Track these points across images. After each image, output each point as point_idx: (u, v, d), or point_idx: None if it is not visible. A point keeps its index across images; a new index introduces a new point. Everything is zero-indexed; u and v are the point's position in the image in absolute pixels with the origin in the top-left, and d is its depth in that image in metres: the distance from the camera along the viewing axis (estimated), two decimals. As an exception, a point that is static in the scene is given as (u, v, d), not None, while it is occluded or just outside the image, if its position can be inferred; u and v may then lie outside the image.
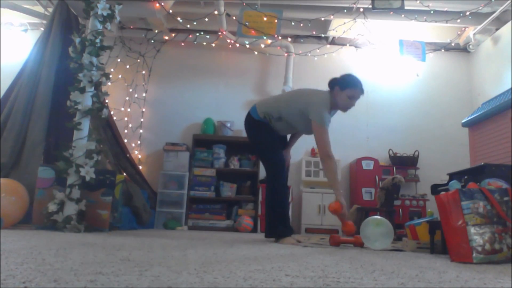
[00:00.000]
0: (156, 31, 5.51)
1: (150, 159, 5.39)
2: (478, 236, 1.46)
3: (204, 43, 5.59)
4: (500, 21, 5.02)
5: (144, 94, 5.57)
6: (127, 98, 5.53)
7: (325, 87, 6.07)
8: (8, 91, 3.76)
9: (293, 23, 5.24)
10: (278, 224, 2.52)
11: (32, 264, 0.99)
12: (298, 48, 5.60)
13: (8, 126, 3.44)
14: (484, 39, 5.36)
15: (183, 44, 5.62)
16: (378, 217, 2.25)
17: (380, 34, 5.45)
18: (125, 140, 5.08)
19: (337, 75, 6.21)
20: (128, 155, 4.66)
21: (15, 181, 2.83)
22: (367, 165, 4.99)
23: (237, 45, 5.48)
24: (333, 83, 2.63)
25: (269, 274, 0.99)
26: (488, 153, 3.46)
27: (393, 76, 5.69)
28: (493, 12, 4.83)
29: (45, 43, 3.80)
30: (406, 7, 4.57)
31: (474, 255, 1.43)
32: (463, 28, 5.43)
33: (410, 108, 5.56)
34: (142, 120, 5.50)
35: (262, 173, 5.09)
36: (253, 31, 4.71)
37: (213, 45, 5.60)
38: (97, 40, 2.97)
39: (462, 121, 3.94)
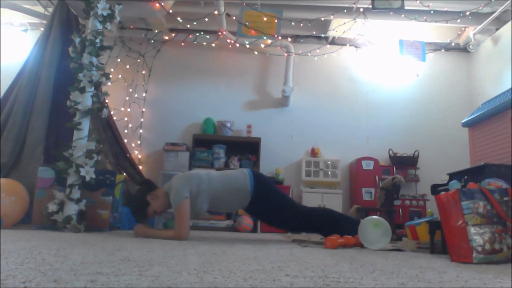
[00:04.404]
0: (156, 31, 5.51)
1: (150, 159, 5.39)
2: (478, 236, 1.46)
3: (204, 43, 5.59)
4: (500, 21, 5.02)
5: (144, 94, 5.57)
6: (127, 98, 5.53)
7: (325, 87, 6.05)
8: (8, 91, 3.76)
9: (293, 23, 5.24)
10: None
11: (32, 264, 0.99)
12: (298, 48, 5.60)
13: (8, 126, 3.44)
14: (484, 39, 5.36)
15: (183, 44, 5.62)
16: (374, 217, 2.23)
17: (380, 34, 5.45)
18: (125, 140, 5.08)
19: (337, 75, 6.20)
20: (128, 155, 4.65)
21: (15, 181, 2.83)
22: (367, 165, 4.99)
23: (237, 45, 5.48)
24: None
25: (269, 274, 0.99)
26: (488, 153, 3.46)
27: (393, 76, 5.69)
28: (493, 12, 4.83)
29: (45, 43, 3.80)
30: (406, 7, 4.57)
31: (474, 255, 1.43)
32: (463, 28, 5.44)
33: (410, 108, 5.56)
34: (142, 120, 5.50)
35: (262, 173, 5.10)
36: (253, 31, 4.71)
37: (213, 45, 5.61)
38: (97, 40, 2.96)
39: (462, 121, 3.94)
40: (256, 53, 5.58)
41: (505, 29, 4.96)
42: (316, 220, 2.56)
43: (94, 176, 2.76)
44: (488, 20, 4.91)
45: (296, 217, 2.56)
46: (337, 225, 2.49)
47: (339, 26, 5.31)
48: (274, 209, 2.55)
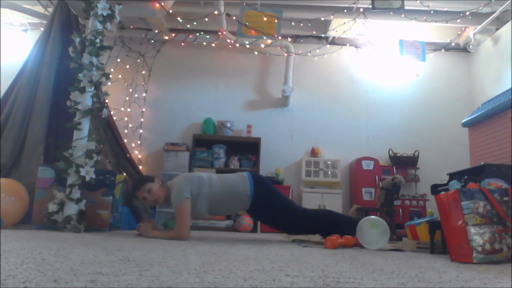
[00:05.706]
0: (156, 31, 5.51)
1: (150, 159, 5.39)
2: (478, 236, 1.46)
3: (204, 43, 5.59)
4: (500, 21, 5.02)
5: (144, 94, 5.57)
6: (127, 98, 5.53)
7: (325, 87, 6.04)
8: (8, 91, 3.75)
9: (293, 23, 5.24)
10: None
11: (32, 264, 0.99)
12: (298, 48, 5.60)
13: (8, 126, 3.44)
14: (484, 39, 5.36)
15: (183, 44, 5.62)
16: (372, 217, 2.23)
17: (380, 34, 5.45)
18: (125, 140, 5.08)
19: (337, 75, 6.20)
20: (128, 155, 4.65)
21: (15, 181, 2.83)
22: (367, 165, 4.99)
23: (237, 45, 5.48)
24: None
25: (269, 274, 0.99)
26: (488, 153, 3.46)
27: (393, 76, 5.69)
28: (493, 12, 4.83)
29: (45, 43, 3.80)
30: (406, 7, 4.57)
31: (474, 255, 1.43)
32: (463, 28, 5.44)
33: (410, 108, 5.56)
34: (142, 120, 5.50)
35: (262, 173, 5.10)
36: (253, 31, 4.71)
37: (213, 45, 5.60)
38: (97, 40, 2.96)
39: (462, 121, 3.94)
40: (256, 53, 5.58)
41: (505, 29, 4.96)
42: (315, 222, 2.58)
43: (94, 176, 2.76)
44: (488, 20, 4.91)
45: (295, 220, 2.58)
46: (337, 226, 2.50)
47: (339, 26, 5.31)
48: (274, 212, 2.57)
